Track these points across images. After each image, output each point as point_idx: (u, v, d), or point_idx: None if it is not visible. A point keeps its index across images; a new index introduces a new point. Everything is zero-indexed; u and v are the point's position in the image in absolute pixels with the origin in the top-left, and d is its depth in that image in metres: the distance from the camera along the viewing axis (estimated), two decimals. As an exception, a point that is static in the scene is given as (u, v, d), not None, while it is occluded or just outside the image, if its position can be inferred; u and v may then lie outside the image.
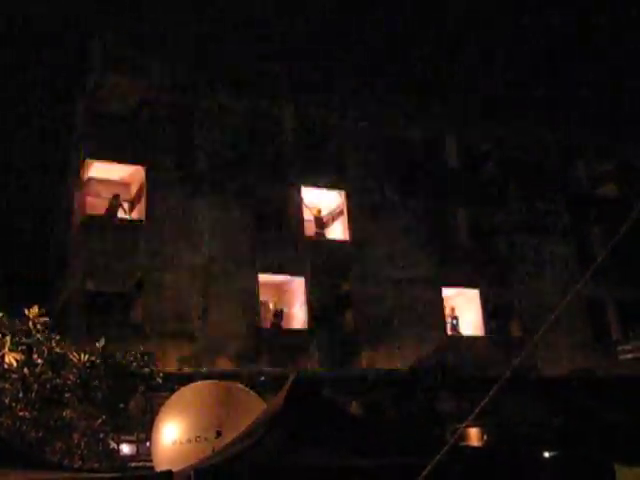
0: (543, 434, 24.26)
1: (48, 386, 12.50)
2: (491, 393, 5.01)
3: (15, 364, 12.31)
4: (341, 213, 27.84)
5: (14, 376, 12.27)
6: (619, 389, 26.74)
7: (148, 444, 15.91)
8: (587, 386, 26.95)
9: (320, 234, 27.65)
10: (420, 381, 25.43)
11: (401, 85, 30.16)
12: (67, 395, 12.71)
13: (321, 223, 27.90)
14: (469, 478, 7.88)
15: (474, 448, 19.26)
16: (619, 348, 25.73)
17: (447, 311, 28.13)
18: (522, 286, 29.52)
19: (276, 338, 24.95)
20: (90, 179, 25.36)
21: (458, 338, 27.91)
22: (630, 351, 25.03)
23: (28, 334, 12.74)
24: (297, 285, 26.07)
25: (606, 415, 25.76)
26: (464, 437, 24.65)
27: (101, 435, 12.89)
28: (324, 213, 28.17)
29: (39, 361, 12.60)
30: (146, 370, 13.97)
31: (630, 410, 25.37)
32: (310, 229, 27.30)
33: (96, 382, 13.06)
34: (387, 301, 26.75)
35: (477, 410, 5.30)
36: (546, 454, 19.67)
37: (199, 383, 11.57)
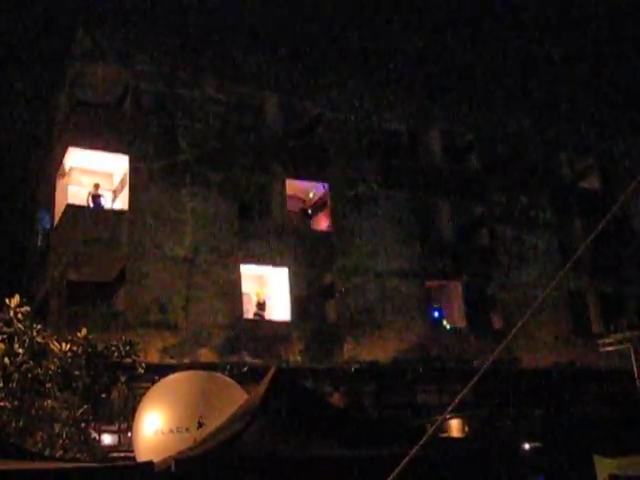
0: (524, 425, 24.41)
1: (29, 376, 12.46)
2: (470, 384, 5.04)
3: (-4, 354, 12.27)
4: (325, 204, 27.84)
5: (-5, 365, 12.24)
6: (599, 382, 26.95)
7: (129, 434, 15.93)
8: (568, 378, 27.15)
9: (304, 225, 27.65)
10: (402, 373, 25.52)
11: (385, 77, 30.20)
12: (48, 385, 12.67)
13: (305, 214, 27.90)
14: (449, 469, 7.91)
15: (455, 439, 19.38)
16: (600, 341, 25.87)
17: (429, 303, 28.21)
18: (504, 278, 29.65)
19: (258, 329, 24.96)
20: (72, 168, 25.25)
21: (440, 330, 28.01)
22: (611, 344, 25.16)
23: (9, 324, 12.69)
24: (280, 276, 26.06)
25: (586, 407, 25.97)
26: (445, 428, 24.77)
27: (82, 425, 12.86)
28: (308, 204, 28.17)
29: (20, 351, 12.56)
30: (128, 360, 13.93)
31: (610, 402, 25.59)
32: (293, 220, 27.29)
33: (77, 372, 13.02)
34: (370, 293, 26.80)
35: (457, 401, 5.33)
36: (526, 445, 19.79)
37: (181, 373, 11.55)
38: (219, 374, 12.20)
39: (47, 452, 11.86)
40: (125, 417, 17.60)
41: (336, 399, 23.92)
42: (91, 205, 24.61)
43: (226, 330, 24.09)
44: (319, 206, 28.18)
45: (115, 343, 13.97)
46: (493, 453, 8.78)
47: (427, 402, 25.20)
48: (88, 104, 25.78)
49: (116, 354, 13.81)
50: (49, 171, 27.30)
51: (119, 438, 20.83)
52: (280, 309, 25.89)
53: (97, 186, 24.95)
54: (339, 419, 8.94)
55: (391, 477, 5.22)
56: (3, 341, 12.53)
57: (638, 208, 33.07)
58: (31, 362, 12.59)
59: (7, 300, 12.87)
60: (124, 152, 24.81)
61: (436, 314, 28.34)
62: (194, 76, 26.47)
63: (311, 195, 28.14)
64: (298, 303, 25.79)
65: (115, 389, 14.15)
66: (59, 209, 24.68)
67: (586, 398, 26.76)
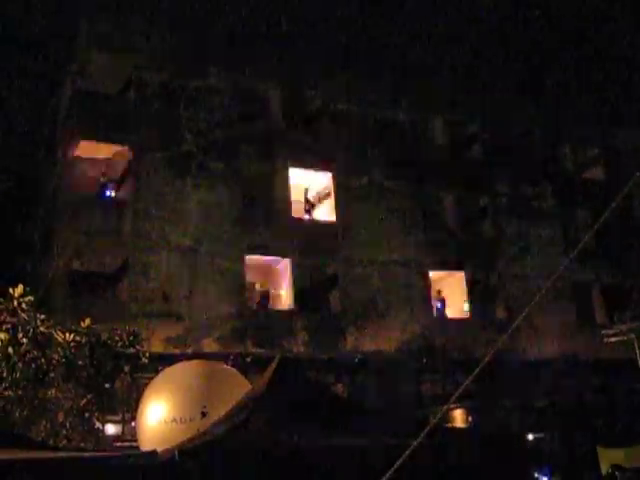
0: (527, 416, 24.44)
1: (33, 365, 12.48)
2: (473, 374, 5.04)
3: (0, 343, 12.28)
4: (328, 195, 27.81)
5: (-1, 355, 12.25)
6: (603, 373, 26.95)
7: (133, 424, 15.96)
8: (571, 369, 27.13)
9: (308, 215, 27.65)
10: (405, 363, 25.53)
11: (389, 67, 30.12)
12: (52, 374, 12.69)
13: (309, 204, 27.89)
14: (453, 459, 7.92)
15: (458, 429, 19.41)
16: (603, 332, 25.84)
17: (433, 294, 28.21)
18: (508, 269, 29.61)
19: (262, 319, 24.98)
20: (77, 158, 25.22)
21: (444, 320, 28.01)
22: (615, 335, 25.14)
23: (13, 313, 12.70)
24: (283, 266, 26.08)
25: (589, 398, 25.97)
26: (449, 419, 24.80)
27: (86, 415, 12.89)
28: (311, 194, 28.15)
29: (24, 340, 12.56)
30: (132, 350, 13.95)
31: (613, 394, 25.61)
32: (297, 210, 27.28)
33: (81, 362, 13.04)
34: (373, 283, 26.80)
35: (460, 390, 5.33)
36: (530, 436, 19.81)
37: (185, 363, 11.58)
38: (222, 364, 12.23)
39: (51, 442, 11.88)
40: (129, 407, 17.59)
41: (339, 389, 23.94)
42: (95, 195, 24.62)
43: (230, 320, 24.11)
44: (323, 196, 28.15)
45: (119, 333, 14.00)
46: (496, 443, 8.78)
47: (431, 392, 25.22)
48: (92, 94, 25.75)
49: (120, 344, 13.83)
50: (54, 160, 27.31)
51: (123, 428, 20.88)
52: (284, 299, 25.91)
53: (102, 175, 24.94)
54: (342, 409, 8.95)
55: (394, 467, 5.22)
56: (7, 331, 12.55)
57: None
58: (35, 352, 12.61)
59: (11, 290, 12.88)
60: (127, 142, 24.79)
61: (439, 304, 28.32)
62: (198, 66, 26.42)
63: (309, 192, 28.11)
64: (302, 293, 25.80)
65: (119, 379, 14.17)
66: (63, 199, 24.68)
67: (590, 389, 26.75)
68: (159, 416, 9.83)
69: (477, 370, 5.02)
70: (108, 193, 25.18)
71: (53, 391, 12.68)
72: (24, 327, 12.67)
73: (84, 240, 23.38)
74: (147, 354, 14.38)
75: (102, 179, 25.11)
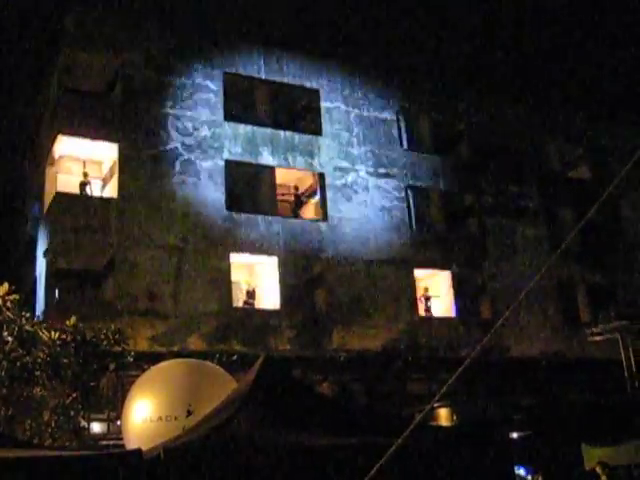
0: (512, 414, 24.50)
1: (18, 364, 12.44)
2: (457, 372, 5.05)
3: (-16, 342, 12.24)
4: (315, 193, 27.83)
5: (-17, 354, 12.20)
6: (588, 371, 27.06)
7: (119, 422, 15.93)
8: (556, 368, 27.24)
9: (296, 213, 27.66)
10: (391, 362, 25.56)
11: (376, 65, 30.18)
12: (37, 373, 12.65)
13: (295, 202, 27.90)
14: (437, 457, 7.93)
15: (442, 427, 19.41)
16: (588, 330, 25.99)
17: (419, 292, 28.26)
18: (494, 268, 29.70)
19: (248, 318, 24.97)
20: (62, 156, 25.15)
21: (429, 319, 28.06)
22: (599, 333, 25.28)
23: (-2, 312, 12.65)
24: (269, 265, 26.06)
25: (574, 396, 26.06)
26: (434, 417, 24.84)
27: (71, 413, 12.85)
28: (298, 193, 28.17)
29: (9, 339, 12.52)
30: (117, 348, 13.93)
31: (598, 392, 25.69)
32: (283, 209, 27.29)
33: (66, 360, 13.00)
34: (359, 282, 26.82)
35: (444, 389, 5.34)
36: (515, 434, 19.85)
37: (170, 361, 11.53)
38: (208, 362, 12.20)
39: (36, 440, 11.85)
40: (114, 405, 17.57)
41: (325, 388, 23.96)
42: (80, 193, 24.54)
43: (215, 318, 24.08)
44: (309, 194, 28.16)
45: (104, 331, 13.96)
46: (481, 442, 8.80)
47: (416, 391, 25.26)
48: (78, 92, 25.66)
49: (105, 342, 13.80)
50: (38, 159, 27.21)
51: (108, 426, 20.85)
52: (270, 298, 25.89)
53: (86, 174, 24.87)
54: (328, 408, 8.95)
55: (378, 465, 5.23)
56: (-8, 329, 12.50)
57: (627, 198, 33.16)
58: (20, 350, 12.56)
59: (-5, 288, 12.83)
60: (113, 140, 24.73)
61: (425, 303, 28.36)
62: (184, 64, 26.37)
63: (296, 190, 28.12)
64: (288, 292, 25.78)
65: (104, 377, 14.15)
66: (48, 197, 24.60)
67: (574, 387, 26.85)
68: (144, 414, 9.79)
69: (462, 368, 5.04)
70: (94, 191, 25.10)
71: (38, 390, 12.64)
72: (9, 325, 12.62)
73: (70, 238, 23.30)
74: (132, 352, 14.37)
75: (88, 177, 25.02)
